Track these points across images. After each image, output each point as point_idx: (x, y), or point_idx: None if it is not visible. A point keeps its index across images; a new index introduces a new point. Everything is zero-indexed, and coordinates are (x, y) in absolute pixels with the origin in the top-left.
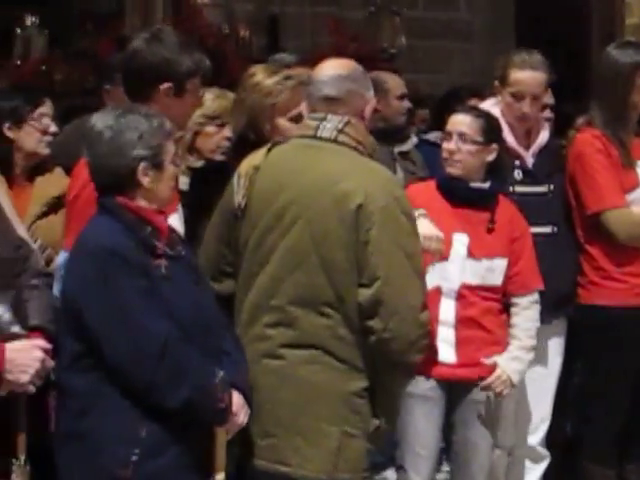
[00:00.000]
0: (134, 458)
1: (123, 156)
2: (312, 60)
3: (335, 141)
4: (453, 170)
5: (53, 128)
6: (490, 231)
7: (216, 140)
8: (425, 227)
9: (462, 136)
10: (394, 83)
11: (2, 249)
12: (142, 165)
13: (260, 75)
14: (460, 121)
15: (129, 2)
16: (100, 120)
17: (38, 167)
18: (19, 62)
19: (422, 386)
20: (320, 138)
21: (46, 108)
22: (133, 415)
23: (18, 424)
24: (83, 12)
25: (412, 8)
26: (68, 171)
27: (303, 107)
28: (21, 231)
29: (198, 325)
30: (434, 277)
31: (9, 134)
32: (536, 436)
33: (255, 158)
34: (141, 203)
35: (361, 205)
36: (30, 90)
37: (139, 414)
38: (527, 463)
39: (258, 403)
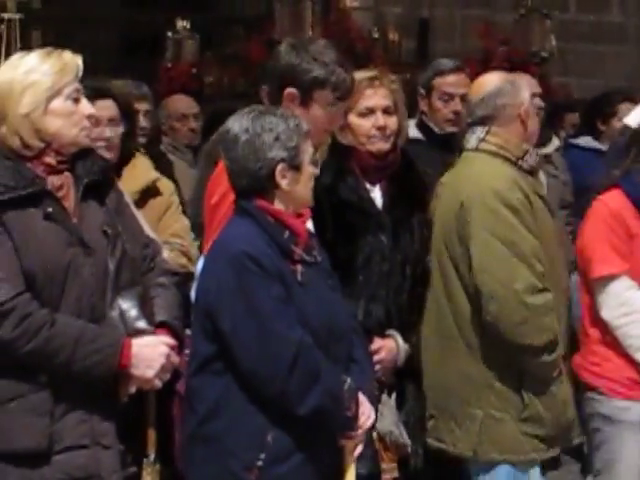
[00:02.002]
0: (259, 463)
1: (260, 158)
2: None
3: (477, 149)
4: None
5: (108, 133)
6: None
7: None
8: None
9: None
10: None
11: (131, 247)
12: (280, 167)
13: None
14: None
15: (278, 6)
16: (236, 123)
17: (123, 161)
18: (170, 65)
19: (635, 412)
20: (468, 149)
21: (109, 111)
22: (260, 420)
23: (148, 421)
24: (233, 16)
25: (563, 11)
26: None
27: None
28: (147, 231)
29: (330, 332)
30: None
31: None
32: None
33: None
34: (279, 206)
35: (462, 202)
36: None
37: (266, 420)
38: None
39: (424, 390)
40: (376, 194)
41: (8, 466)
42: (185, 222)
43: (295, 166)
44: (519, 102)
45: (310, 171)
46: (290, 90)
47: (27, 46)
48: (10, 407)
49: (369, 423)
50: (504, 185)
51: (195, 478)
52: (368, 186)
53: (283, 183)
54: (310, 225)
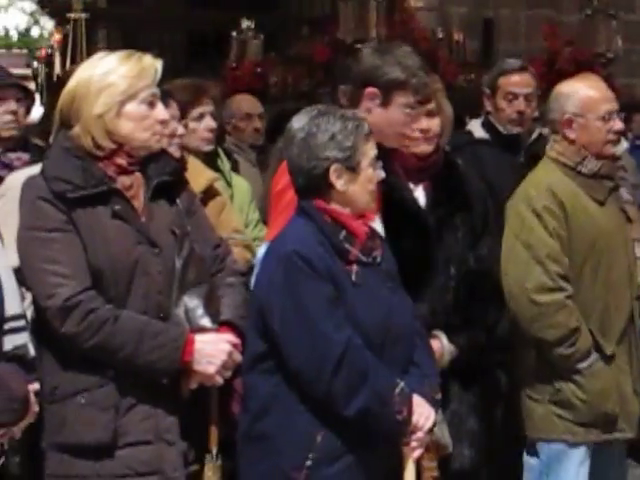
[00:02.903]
0: (309, 463)
1: (314, 157)
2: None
3: (547, 155)
4: None
5: (181, 130)
6: None
7: None
8: None
9: None
10: None
11: (201, 248)
12: (334, 167)
13: None
14: None
15: (343, 6)
16: (296, 121)
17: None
18: (235, 65)
19: None
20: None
21: (172, 110)
22: (310, 420)
23: (211, 418)
24: (297, 16)
25: (629, 11)
26: None
27: None
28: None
29: (386, 334)
30: None
31: None
32: None
33: None
34: (337, 206)
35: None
36: None
37: (316, 419)
38: None
39: None
40: (419, 194)
41: (74, 458)
42: (240, 219)
43: (351, 167)
44: (565, 109)
45: (369, 173)
46: (371, 89)
47: (93, 45)
48: (76, 401)
49: (429, 425)
50: (536, 191)
51: (247, 476)
52: (411, 186)
53: (338, 184)
54: (379, 227)
